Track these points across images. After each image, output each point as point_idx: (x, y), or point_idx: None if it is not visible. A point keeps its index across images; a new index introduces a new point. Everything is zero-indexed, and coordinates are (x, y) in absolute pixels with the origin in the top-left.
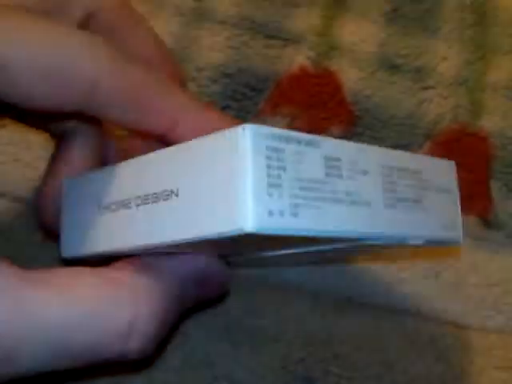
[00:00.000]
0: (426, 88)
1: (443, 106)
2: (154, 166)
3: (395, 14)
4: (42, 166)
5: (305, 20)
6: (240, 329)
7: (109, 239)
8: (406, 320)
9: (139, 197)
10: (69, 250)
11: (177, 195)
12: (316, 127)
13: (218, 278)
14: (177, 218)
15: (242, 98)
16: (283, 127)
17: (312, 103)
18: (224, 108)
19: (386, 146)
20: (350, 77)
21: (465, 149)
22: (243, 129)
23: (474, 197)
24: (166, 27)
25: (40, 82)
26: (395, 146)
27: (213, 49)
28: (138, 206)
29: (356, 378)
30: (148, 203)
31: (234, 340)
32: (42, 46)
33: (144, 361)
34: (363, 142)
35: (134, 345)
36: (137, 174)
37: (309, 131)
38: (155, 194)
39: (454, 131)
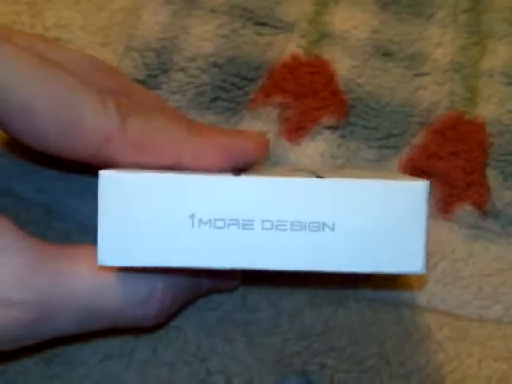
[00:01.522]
0: (420, 75)
1: (438, 94)
2: (300, 194)
3: (388, 0)
4: None
5: (296, 7)
6: (233, 323)
7: (200, 255)
8: (403, 312)
9: (270, 221)
10: (113, 258)
11: (332, 229)
12: (308, 117)
13: (229, 276)
14: (332, 250)
15: (233, 88)
16: (275, 117)
17: (304, 92)
18: (214, 99)
19: (381, 135)
20: (343, 65)
21: (461, 137)
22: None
23: (471, 185)
24: (154, 16)
25: (55, 131)
26: (389, 135)
27: (203, 38)
28: (265, 229)
29: (352, 371)
30: (284, 230)
31: (227, 334)
32: (61, 99)
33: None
34: (357, 131)
35: (150, 311)
36: (270, 195)
37: (301, 121)
38: (299, 222)
39: (449, 119)
